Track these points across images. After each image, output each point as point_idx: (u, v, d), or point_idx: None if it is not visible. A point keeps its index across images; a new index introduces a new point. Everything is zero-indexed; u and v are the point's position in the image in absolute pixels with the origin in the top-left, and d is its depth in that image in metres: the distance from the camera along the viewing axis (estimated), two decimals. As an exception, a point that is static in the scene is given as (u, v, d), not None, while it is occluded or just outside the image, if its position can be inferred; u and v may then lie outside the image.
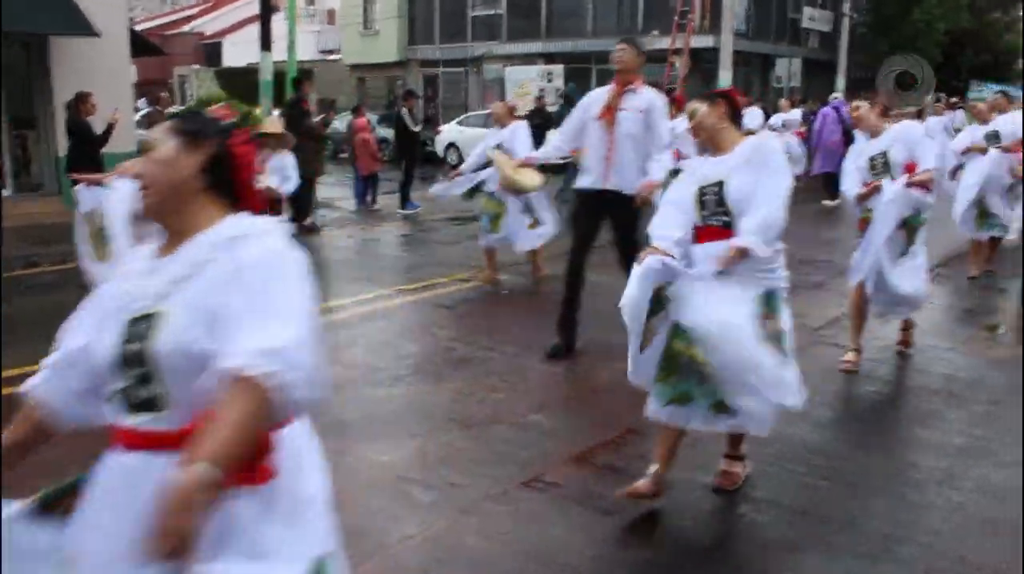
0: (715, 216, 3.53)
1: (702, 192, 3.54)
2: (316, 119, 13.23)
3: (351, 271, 9.25)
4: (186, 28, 49.94)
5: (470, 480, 3.98)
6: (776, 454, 4.16)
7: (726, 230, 3.49)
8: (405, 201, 13.41)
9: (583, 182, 5.75)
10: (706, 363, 3.37)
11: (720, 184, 3.50)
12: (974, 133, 7.64)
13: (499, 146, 7.94)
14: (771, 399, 3.41)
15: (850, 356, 5.43)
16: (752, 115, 13.55)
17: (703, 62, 24.45)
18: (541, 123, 19.11)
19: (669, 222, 3.58)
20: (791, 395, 3.46)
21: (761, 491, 3.82)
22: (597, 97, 5.74)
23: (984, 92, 21.64)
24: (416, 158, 13.76)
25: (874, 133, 5.33)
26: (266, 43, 15.36)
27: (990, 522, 3.54)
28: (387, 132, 23.18)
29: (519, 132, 7.97)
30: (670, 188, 3.81)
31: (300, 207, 12.02)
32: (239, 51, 43.00)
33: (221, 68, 41.84)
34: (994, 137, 7.30)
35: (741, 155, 3.53)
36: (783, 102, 14.54)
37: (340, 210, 13.96)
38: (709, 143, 3.64)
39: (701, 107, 3.60)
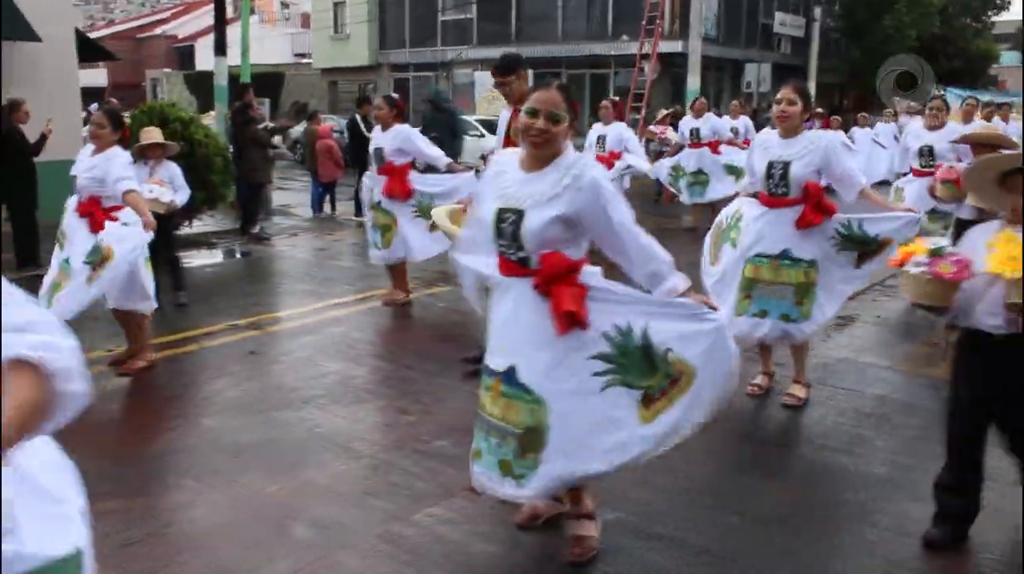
0: (511, 250, 3.01)
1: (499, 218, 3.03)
2: (266, 124, 13.00)
3: (293, 282, 8.98)
4: (159, 31, 49.45)
5: (357, 514, 3.73)
6: (683, 488, 3.93)
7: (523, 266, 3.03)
8: (360, 209, 13.15)
9: None
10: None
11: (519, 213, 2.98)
12: (910, 143, 7.24)
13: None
14: (573, 468, 3.01)
15: (758, 380, 5.20)
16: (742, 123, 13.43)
17: (673, 67, 24.30)
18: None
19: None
20: (599, 461, 3.00)
21: (664, 528, 3.58)
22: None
23: (947, 96, 21.60)
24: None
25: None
26: (220, 48, 15.08)
27: (897, 565, 3.31)
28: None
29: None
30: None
31: (248, 216, 11.78)
32: (211, 55, 42.54)
33: (191, 72, 41.40)
34: (927, 154, 6.96)
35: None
36: (733, 105, 14.26)
37: (295, 218, 13.70)
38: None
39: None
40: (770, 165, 4.70)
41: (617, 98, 10.85)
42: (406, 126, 7.37)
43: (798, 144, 4.67)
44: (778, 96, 4.70)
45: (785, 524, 3.65)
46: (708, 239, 5.22)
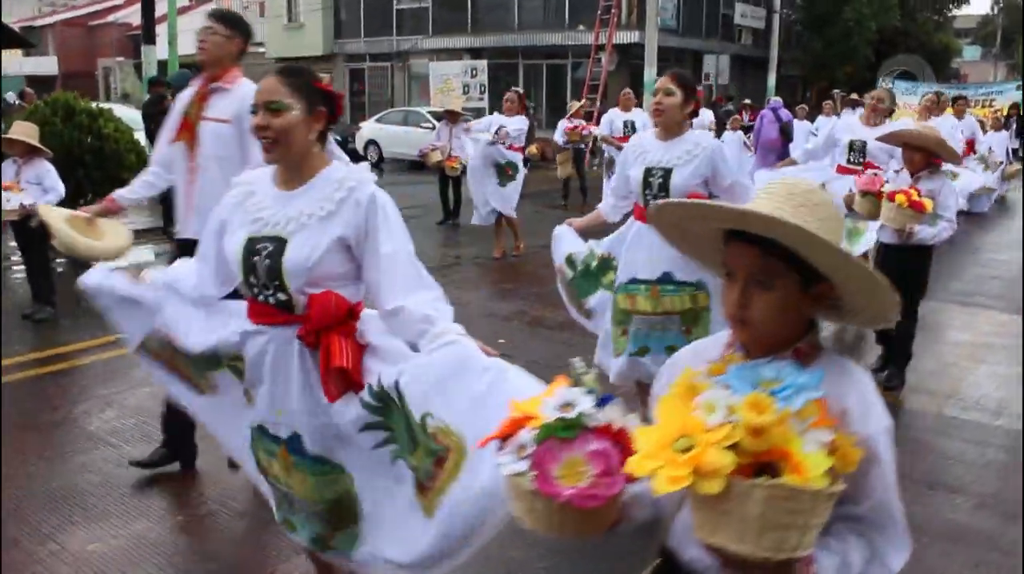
0: (268, 291, 2.33)
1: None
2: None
3: None
4: (111, 19, 48.04)
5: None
6: (569, 547, 3.37)
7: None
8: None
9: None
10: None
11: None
12: (839, 135, 6.55)
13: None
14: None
15: None
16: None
17: (631, 58, 23.79)
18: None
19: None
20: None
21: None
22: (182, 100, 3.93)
23: (895, 90, 21.30)
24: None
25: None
26: (149, 36, 14.34)
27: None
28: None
29: None
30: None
31: (170, 216, 11.04)
32: (162, 42, 41.46)
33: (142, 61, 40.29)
34: (859, 149, 6.34)
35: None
36: (624, 95, 13.43)
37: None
38: None
39: None
40: (648, 172, 3.91)
41: (521, 90, 10.24)
42: None
43: (680, 147, 3.90)
44: (655, 86, 4.00)
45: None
46: (561, 289, 4.47)
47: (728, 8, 28.63)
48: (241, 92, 3.68)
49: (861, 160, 6.30)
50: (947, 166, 7.03)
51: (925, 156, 4.83)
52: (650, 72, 20.55)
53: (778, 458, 1.25)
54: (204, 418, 2.73)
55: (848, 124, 6.69)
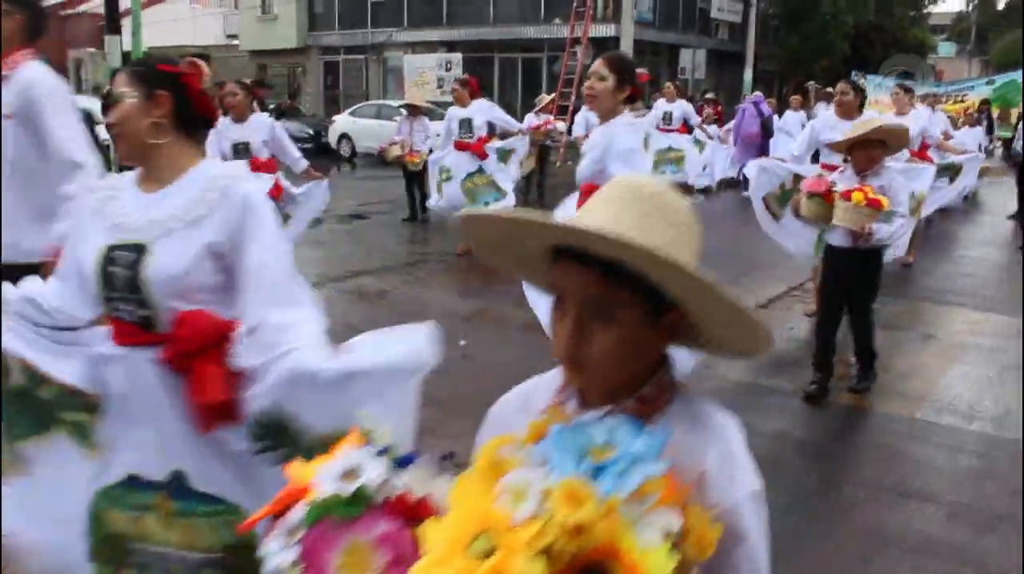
0: (128, 307, 2.06)
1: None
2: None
3: None
4: (82, 8, 47.22)
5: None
6: None
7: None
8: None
9: None
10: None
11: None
12: (822, 134, 6.43)
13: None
14: None
15: None
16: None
17: (607, 51, 23.64)
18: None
19: None
20: None
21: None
22: None
23: (867, 85, 21.25)
24: (270, 153, 12.56)
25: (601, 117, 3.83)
26: (112, 26, 13.98)
27: None
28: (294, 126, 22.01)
29: None
30: None
31: None
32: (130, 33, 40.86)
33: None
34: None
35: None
36: (667, 88, 13.52)
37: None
38: None
39: None
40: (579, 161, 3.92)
41: (468, 76, 10.01)
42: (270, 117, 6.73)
43: (601, 131, 3.75)
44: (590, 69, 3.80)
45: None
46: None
47: (705, 2, 28.55)
48: (23, 79, 3.04)
49: (846, 158, 6.15)
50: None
51: (883, 151, 4.62)
52: (626, 66, 20.45)
53: (607, 558, 0.96)
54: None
55: (827, 121, 6.51)
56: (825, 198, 4.59)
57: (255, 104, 6.52)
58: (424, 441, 2.46)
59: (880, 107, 15.91)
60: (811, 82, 15.94)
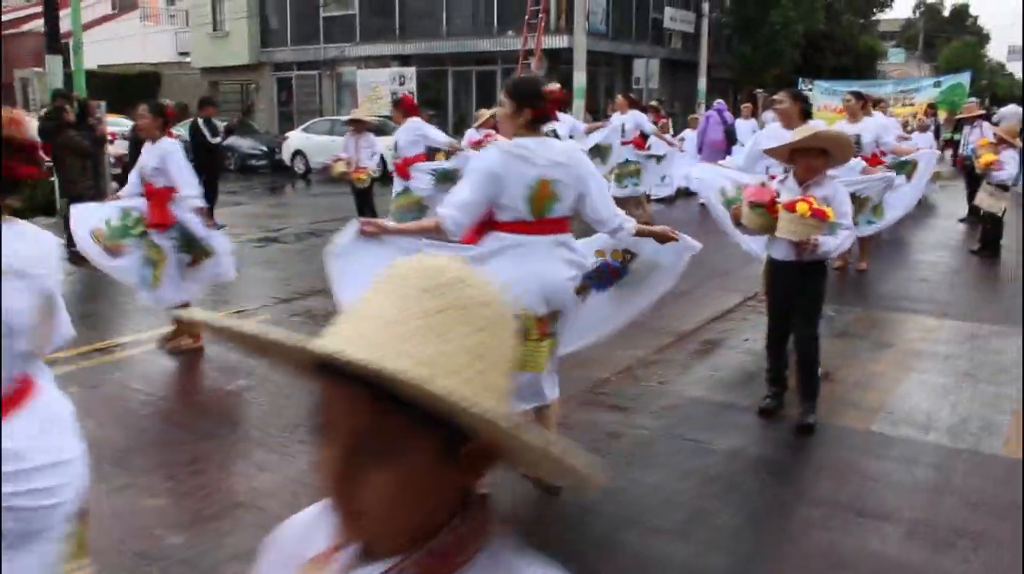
0: None
1: None
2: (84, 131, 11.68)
3: (122, 308, 7.76)
4: (27, 27, 46.31)
5: None
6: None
7: None
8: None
9: None
10: None
11: None
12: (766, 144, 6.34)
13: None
14: None
15: None
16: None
17: (561, 63, 23.61)
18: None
19: None
20: None
21: None
22: None
23: (815, 91, 21.42)
24: (217, 174, 12.29)
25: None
26: (53, 45, 13.67)
27: None
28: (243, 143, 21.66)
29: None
30: None
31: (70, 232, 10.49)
32: (87, 51, 40.22)
33: (68, 71, 38.92)
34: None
35: None
36: (619, 100, 13.35)
37: (141, 231, 12.42)
38: None
39: None
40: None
41: (400, 93, 9.66)
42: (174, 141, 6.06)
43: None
44: None
45: None
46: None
47: (658, 12, 28.65)
48: None
49: (786, 167, 6.04)
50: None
51: (825, 160, 4.46)
52: (579, 77, 20.40)
53: None
54: None
55: (771, 132, 6.42)
56: (768, 209, 4.39)
57: (165, 126, 6.02)
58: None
59: (828, 114, 16.03)
60: (759, 90, 15.99)
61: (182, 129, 15.15)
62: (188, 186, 5.88)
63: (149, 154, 5.90)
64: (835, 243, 4.40)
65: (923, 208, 14.11)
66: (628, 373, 5.55)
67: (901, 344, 6.30)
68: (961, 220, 12.88)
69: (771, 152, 4.84)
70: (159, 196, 5.85)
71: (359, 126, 10.03)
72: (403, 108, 8.60)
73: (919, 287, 8.22)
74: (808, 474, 4.14)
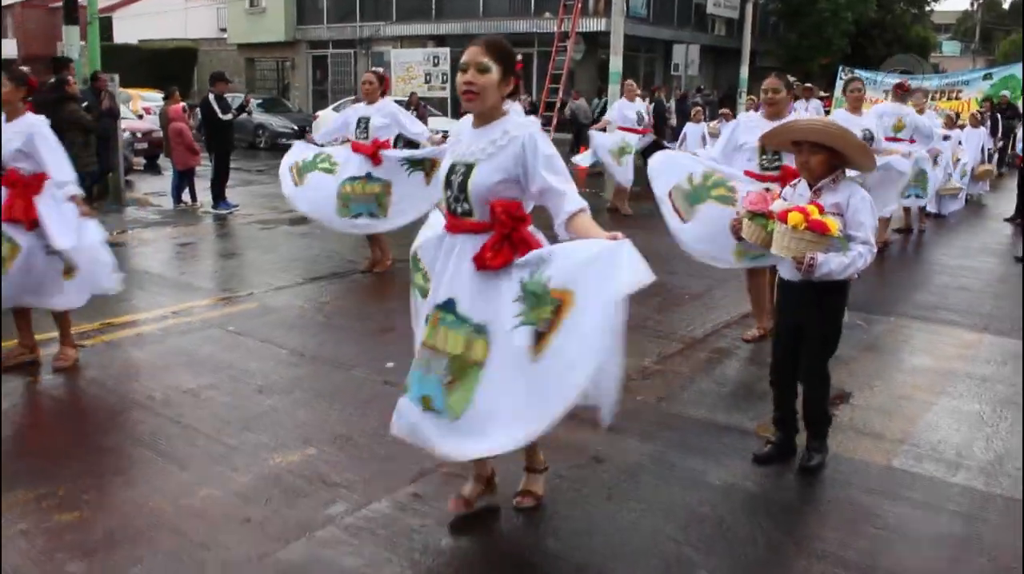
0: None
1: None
2: (96, 104, 11.37)
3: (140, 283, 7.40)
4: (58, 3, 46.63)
5: None
6: None
7: None
8: (218, 200, 11.65)
9: None
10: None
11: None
12: (741, 137, 5.64)
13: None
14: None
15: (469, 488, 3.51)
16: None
17: (600, 47, 22.95)
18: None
19: None
20: None
21: None
22: None
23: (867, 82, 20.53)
24: (228, 150, 11.91)
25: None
26: (70, 16, 13.32)
27: None
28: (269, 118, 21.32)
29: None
30: None
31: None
32: (129, 25, 40.25)
33: (108, 44, 38.97)
34: (773, 151, 5.44)
35: None
36: (628, 86, 12.62)
37: (152, 209, 12.12)
38: None
39: None
40: (451, 168, 3.12)
41: (379, 70, 8.80)
42: None
43: (487, 136, 3.04)
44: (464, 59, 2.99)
45: None
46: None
47: (701, -3, 27.84)
48: None
49: (778, 163, 5.38)
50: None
51: (826, 158, 3.65)
52: (616, 62, 19.75)
53: None
54: None
55: (749, 122, 5.76)
56: (770, 217, 3.68)
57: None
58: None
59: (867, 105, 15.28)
60: (792, 78, 15.38)
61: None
62: (62, 171, 4.89)
63: (9, 133, 4.85)
64: (842, 263, 3.57)
65: (971, 207, 13.34)
66: (624, 385, 4.99)
67: (934, 362, 5.67)
68: (1007, 219, 12.11)
69: (765, 137, 4.15)
70: (23, 186, 4.86)
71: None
72: (383, 86, 7.70)
73: (959, 296, 7.55)
74: (812, 519, 3.58)
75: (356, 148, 7.45)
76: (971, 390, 5.11)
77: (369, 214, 7.43)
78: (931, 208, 11.26)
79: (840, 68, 21.17)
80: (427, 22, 26.36)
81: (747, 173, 5.50)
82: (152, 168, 16.92)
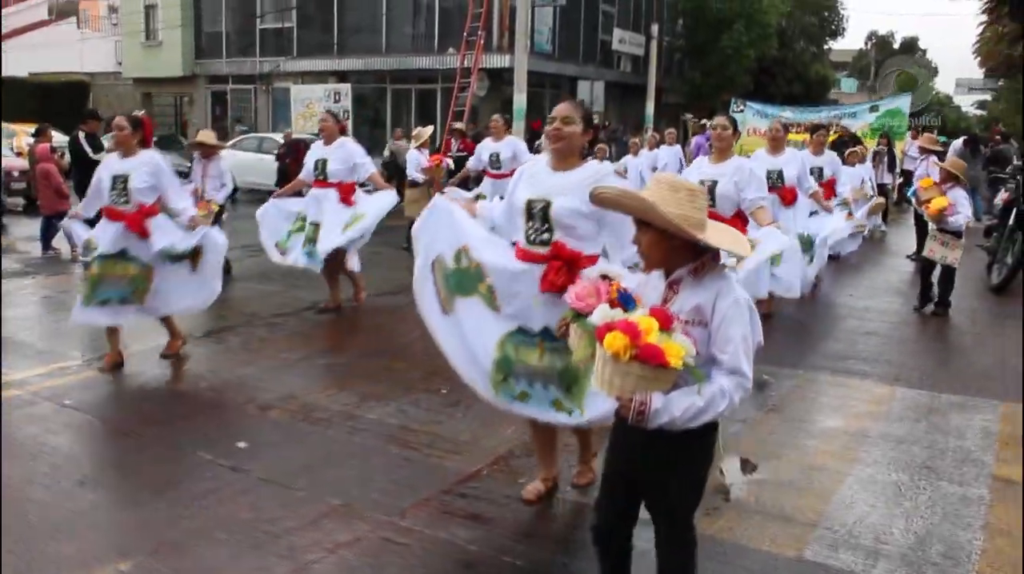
0: None
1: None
2: None
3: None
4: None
5: None
6: None
7: None
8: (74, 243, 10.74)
9: None
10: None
11: None
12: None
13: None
14: None
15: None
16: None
17: (504, 83, 22.64)
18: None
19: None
20: None
21: None
22: None
23: (747, 113, 20.67)
24: (100, 192, 11.01)
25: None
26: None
27: None
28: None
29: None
30: None
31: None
32: (19, 57, 38.42)
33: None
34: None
35: None
36: (494, 122, 11.19)
37: (19, 255, 11.13)
38: None
39: None
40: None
41: (332, 108, 8.57)
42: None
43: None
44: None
45: None
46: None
47: (607, 34, 27.87)
48: None
49: (547, 235, 3.52)
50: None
51: (656, 237, 2.44)
52: (519, 98, 19.40)
53: None
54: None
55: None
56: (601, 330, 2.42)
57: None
58: None
59: (756, 139, 15.38)
60: (689, 115, 15.40)
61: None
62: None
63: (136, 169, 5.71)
64: (689, 409, 2.35)
65: (871, 244, 13.30)
66: (503, 464, 4.44)
67: (845, 422, 5.26)
68: (909, 257, 12.07)
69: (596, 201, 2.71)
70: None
71: (207, 151, 8.69)
72: (341, 126, 7.72)
73: (867, 343, 7.24)
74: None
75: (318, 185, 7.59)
76: (886, 455, 4.70)
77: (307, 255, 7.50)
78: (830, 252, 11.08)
79: (733, 101, 21.30)
80: (329, 58, 25.69)
81: (518, 249, 3.67)
82: (32, 210, 15.78)
